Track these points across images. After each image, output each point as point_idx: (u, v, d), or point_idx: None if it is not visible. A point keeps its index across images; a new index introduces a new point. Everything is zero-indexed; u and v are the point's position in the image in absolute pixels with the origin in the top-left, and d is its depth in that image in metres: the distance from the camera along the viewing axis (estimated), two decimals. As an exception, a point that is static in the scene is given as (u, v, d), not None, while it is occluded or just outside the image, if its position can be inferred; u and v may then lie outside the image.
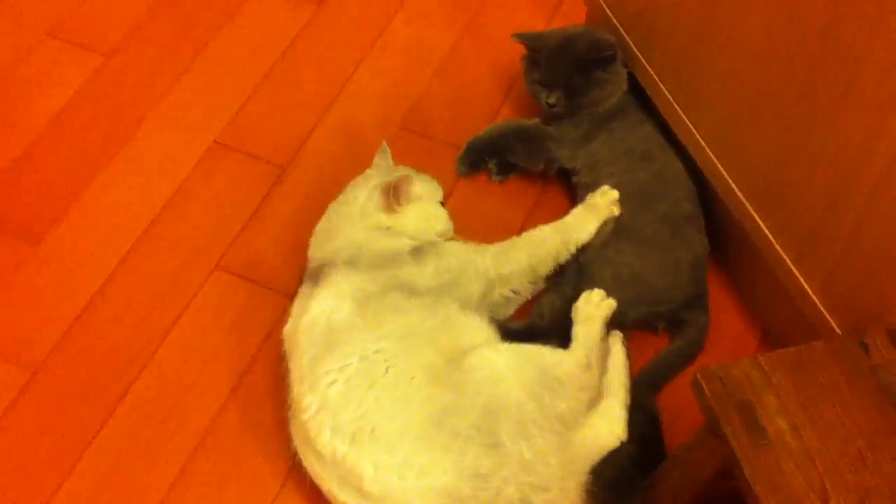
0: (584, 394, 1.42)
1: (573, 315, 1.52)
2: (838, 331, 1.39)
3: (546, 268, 1.60)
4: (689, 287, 1.59)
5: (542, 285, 1.65)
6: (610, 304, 1.53)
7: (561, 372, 1.41)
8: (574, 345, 1.48)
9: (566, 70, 1.69)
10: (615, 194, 1.62)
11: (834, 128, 1.29)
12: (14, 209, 1.76)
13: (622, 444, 1.39)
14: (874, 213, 1.27)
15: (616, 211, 1.62)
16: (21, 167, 1.81)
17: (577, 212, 1.63)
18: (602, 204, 1.62)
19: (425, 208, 1.58)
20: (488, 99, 1.94)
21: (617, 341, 1.51)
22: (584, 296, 1.54)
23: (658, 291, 1.57)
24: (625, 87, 1.72)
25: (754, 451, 1.16)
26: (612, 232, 1.61)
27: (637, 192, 1.63)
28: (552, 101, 1.70)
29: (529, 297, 1.64)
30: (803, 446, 1.17)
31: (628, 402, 1.43)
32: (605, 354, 1.49)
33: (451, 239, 1.61)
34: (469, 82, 1.98)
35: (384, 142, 1.69)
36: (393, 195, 1.53)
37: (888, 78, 1.18)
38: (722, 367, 1.23)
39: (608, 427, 1.39)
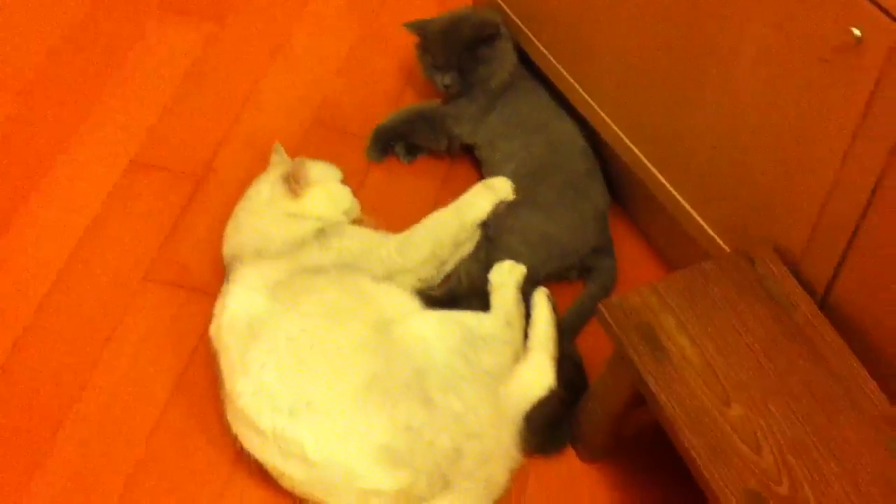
0: (508, 348, 1.50)
1: (489, 286, 1.59)
2: (730, 254, 1.46)
3: (447, 250, 1.65)
4: (595, 237, 1.68)
5: (446, 269, 1.69)
6: (521, 270, 1.60)
7: (483, 331, 1.49)
8: (492, 309, 1.56)
9: (455, 51, 1.76)
10: (510, 184, 1.69)
11: (709, 77, 1.37)
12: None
13: (551, 391, 1.47)
14: (756, 147, 1.34)
15: (511, 196, 1.68)
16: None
17: (475, 190, 1.70)
18: (499, 186, 1.69)
19: (327, 188, 1.65)
20: (391, 89, 2.02)
21: (542, 297, 1.58)
22: (496, 268, 1.61)
23: (566, 247, 1.65)
24: (514, 60, 1.80)
25: (657, 368, 1.24)
26: (517, 202, 1.68)
27: (535, 167, 1.71)
28: (447, 81, 1.77)
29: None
30: (704, 359, 1.25)
31: (556, 353, 1.51)
32: (523, 312, 1.57)
33: (363, 221, 1.68)
34: (371, 76, 2.05)
35: (277, 142, 1.77)
36: (293, 179, 1.61)
37: (745, 32, 1.27)
38: (622, 296, 1.31)
39: (537, 378, 1.47)
